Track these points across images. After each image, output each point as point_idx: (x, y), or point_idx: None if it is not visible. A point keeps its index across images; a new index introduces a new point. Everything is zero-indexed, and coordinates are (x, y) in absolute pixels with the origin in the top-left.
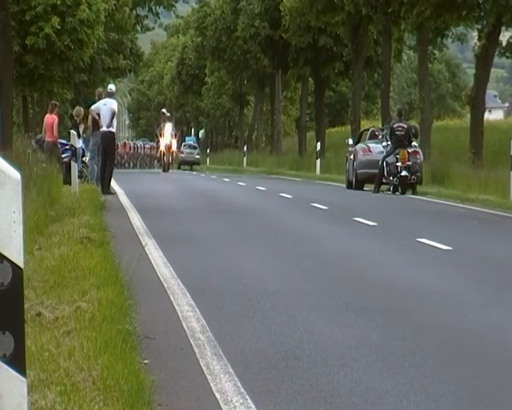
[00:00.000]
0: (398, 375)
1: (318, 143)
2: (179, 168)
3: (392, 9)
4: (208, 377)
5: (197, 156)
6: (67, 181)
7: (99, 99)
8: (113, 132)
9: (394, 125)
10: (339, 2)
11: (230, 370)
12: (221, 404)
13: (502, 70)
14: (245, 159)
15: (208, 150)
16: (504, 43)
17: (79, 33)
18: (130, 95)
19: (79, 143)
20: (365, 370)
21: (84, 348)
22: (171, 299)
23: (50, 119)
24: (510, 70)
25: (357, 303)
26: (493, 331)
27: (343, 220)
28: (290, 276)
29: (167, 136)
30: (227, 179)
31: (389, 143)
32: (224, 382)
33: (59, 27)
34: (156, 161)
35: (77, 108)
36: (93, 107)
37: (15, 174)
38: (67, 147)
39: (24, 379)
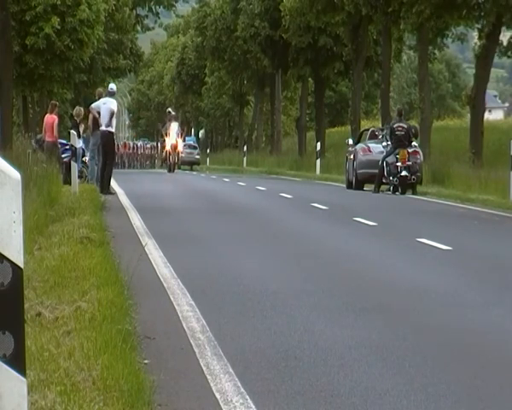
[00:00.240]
0: (398, 375)
1: (318, 143)
2: (179, 168)
3: (392, 9)
4: (208, 377)
5: (197, 156)
6: (67, 181)
7: (99, 99)
8: (112, 132)
9: (394, 125)
10: (339, 2)
11: (230, 370)
12: (221, 404)
13: (502, 70)
14: (245, 159)
15: (208, 150)
16: (505, 43)
17: (79, 33)
18: (130, 95)
19: (79, 143)
20: (365, 370)
21: (84, 348)
22: (171, 299)
23: (50, 119)
24: (510, 70)
25: (357, 303)
26: (493, 331)
27: (343, 220)
28: (290, 276)
29: (173, 135)
30: (227, 179)
31: (389, 143)
32: (223, 382)
33: (59, 27)
34: (157, 161)
35: (77, 108)
36: (93, 105)
37: (15, 174)
38: (67, 147)
39: (24, 379)
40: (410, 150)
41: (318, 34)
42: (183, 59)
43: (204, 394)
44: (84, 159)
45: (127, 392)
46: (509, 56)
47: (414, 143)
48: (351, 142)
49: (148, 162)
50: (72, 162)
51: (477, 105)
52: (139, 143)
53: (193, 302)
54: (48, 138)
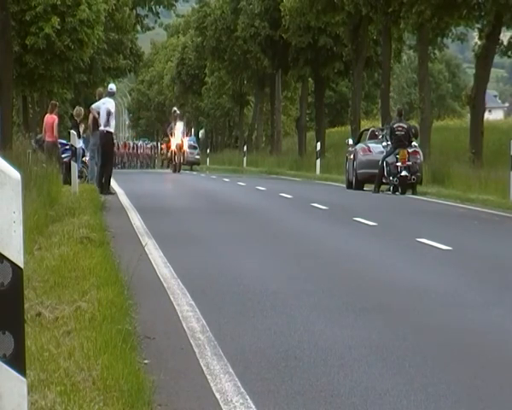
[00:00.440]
0: (398, 375)
1: (318, 143)
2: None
3: (392, 9)
4: (208, 377)
5: (197, 156)
6: (67, 181)
7: (99, 99)
8: (110, 132)
9: (394, 125)
10: (339, 2)
11: (230, 370)
12: (221, 404)
13: (502, 70)
14: (245, 159)
15: (208, 150)
16: (505, 43)
17: (79, 33)
18: (130, 95)
19: (79, 143)
20: (365, 370)
21: (84, 348)
22: (171, 299)
23: (50, 119)
24: (510, 70)
25: (357, 303)
26: (493, 331)
27: (343, 220)
28: (290, 276)
29: (178, 135)
30: (227, 179)
31: (389, 143)
32: (223, 382)
33: (59, 27)
34: (157, 161)
35: (77, 108)
36: (94, 105)
37: (15, 174)
38: (67, 147)
39: (24, 379)
40: (410, 150)
41: (318, 34)
42: (183, 59)
43: (204, 394)
44: (84, 159)
45: (127, 392)
46: (509, 56)
47: (414, 143)
48: (351, 142)
49: (148, 162)
50: (72, 162)
51: (477, 105)
52: (139, 143)
53: (193, 302)
54: (48, 138)
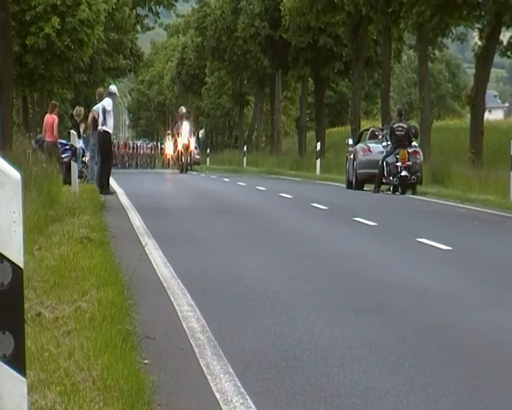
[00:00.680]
0: (398, 375)
1: (318, 143)
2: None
3: (392, 9)
4: (208, 377)
5: (197, 156)
6: (67, 181)
7: (99, 99)
8: (106, 131)
9: (394, 125)
10: (339, 3)
11: (230, 370)
12: (221, 404)
13: (502, 70)
14: (245, 159)
15: (208, 150)
16: (505, 43)
17: (79, 33)
18: (130, 95)
19: (79, 143)
20: (365, 370)
21: (84, 348)
22: (171, 299)
23: (50, 119)
24: (510, 70)
25: (357, 303)
26: (493, 331)
27: (343, 220)
28: (290, 276)
29: (185, 135)
30: (227, 179)
31: (389, 143)
32: (223, 382)
33: (59, 27)
34: (157, 162)
35: (77, 108)
36: (95, 107)
37: (15, 174)
38: (67, 147)
39: (24, 379)
40: (410, 150)
41: (318, 34)
42: (183, 59)
43: (204, 394)
44: (84, 159)
45: (127, 392)
46: (508, 56)
47: (414, 143)
48: (351, 142)
49: (148, 162)
50: (72, 162)
51: (477, 105)
52: (138, 143)
53: (193, 302)
54: (48, 138)
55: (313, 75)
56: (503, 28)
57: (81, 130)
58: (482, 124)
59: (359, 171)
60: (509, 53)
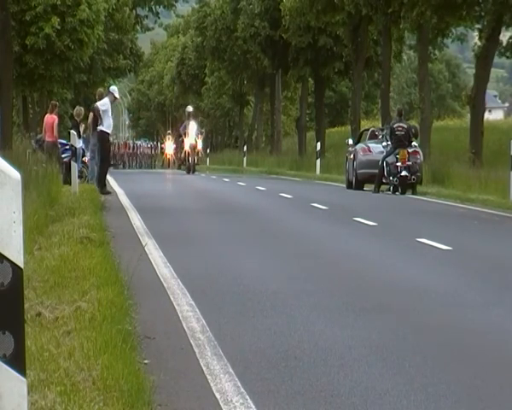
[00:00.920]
0: (398, 375)
1: (318, 143)
2: (179, 168)
3: (392, 10)
4: (208, 377)
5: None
6: (67, 181)
7: (99, 99)
8: (102, 131)
9: (394, 125)
10: (339, 3)
11: (230, 370)
12: (221, 404)
13: (502, 70)
14: (245, 159)
15: (208, 150)
16: (504, 43)
17: (79, 33)
18: (130, 95)
19: (79, 143)
20: (365, 370)
21: (84, 348)
22: (171, 299)
23: (50, 119)
24: (510, 70)
25: (357, 303)
26: (493, 331)
27: (343, 220)
28: (290, 276)
29: (192, 135)
30: (227, 179)
31: (389, 143)
32: (223, 382)
33: (59, 27)
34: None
35: (77, 107)
36: (95, 105)
37: (15, 174)
38: (67, 147)
39: (24, 379)
40: (410, 150)
41: (318, 34)
42: (183, 59)
43: (204, 394)
44: (84, 159)
45: (127, 392)
46: (508, 56)
47: (414, 143)
48: (351, 142)
49: (148, 162)
50: (72, 162)
51: (477, 105)
52: (138, 143)
53: (193, 302)
54: (48, 138)
55: (313, 75)
56: (503, 28)
57: (81, 130)
58: (482, 124)
59: (359, 171)
60: (508, 53)
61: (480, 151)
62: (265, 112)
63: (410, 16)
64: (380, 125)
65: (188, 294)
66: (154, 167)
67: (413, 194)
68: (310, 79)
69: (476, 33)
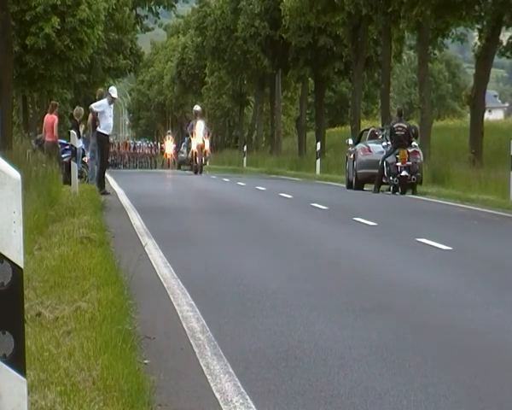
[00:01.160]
0: (398, 375)
1: (318, 143)
2: (179, 168)
3: (392, 9)
4: (208, 377)
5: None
6: (67, 181)
7: (99, 99)
8: (100, 133)
9: (394, 125)
10: (339, 3)
11: (230, 370)
12: (221, 404)
13: (502, 70)
14: (245, 159)
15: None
16: (504, 43)
17: (79, 33)
18: (130, 95)
19: (79, 143)
20: (365, 370)
21: (84, 348)
22: (171, 299)
23: (50, 119)
24: (510, 70)
25: (357, 303)
26: (493, 331)
27: (343, 220)
28: (290, 276)
29: (199, 135)
30: (227, 179)
31: (389, 143)
32: (223, 382)
33: (59, 27)
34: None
35: (77, 107)
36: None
37: (15, 174)
38: (67, 147)
39: (24, 379)
40: (410, 150)
41: (318, 34)
42: (183, 59)
43: (204, 394)
44: (84, 159)
45: (127, 392)
46: (508, 56)
47: (414, 143)
48: (351, 142)
49: (148, 162)
50: (72, 162)
51: (477, 105)
52: (138, 143)
53: (193, 302)
54: (48, 138)
55: (313, 75)
56: (503, 28)
57: (81, 130)
58: (482, 124)
59: (359, 171)
60: (508, 53)
61: (480, 151)
62: (265, 112)
63: (409, 16)
64: (380, 125)
65: (188, 294)
66: (155, 167)
67: (413, 194)
68: (310, 79)
69: (476, 33)
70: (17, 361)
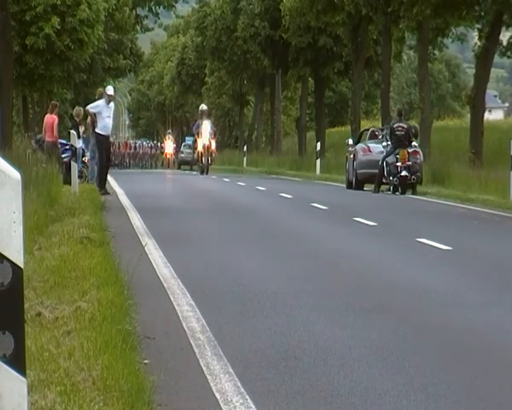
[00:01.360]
0: (398, 375)
1: (318, 143)
2: (179, 168)
3: (391, 9)
4: (208, 377)
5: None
6: (67, 181)
7: (99, 99)
8: (97, 133)
9: (394, 125)
10: (339, 3)
11: (230, 370)
12: (221, 404)
13: (502, 70)
14: (245, 159)
15: None
16: (504, 43)
17: (79, 33)
18: (130, 95)
19: (79, 143)
20: (365, 370)
21: (84, 348)
22: (171, 299)
23: (50, 119)
24: (510, 70)
25: (357, 303)
26: (493, 331)
27: (343, 220)
28: (290, 276)
29: (206, 135)
30: (227, 179)
31: (389, 143)
32: (223, 382)
33: (59, 27)
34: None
35: (76, 108)
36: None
37: (15, 174)
38: (67, 147)
39: (24, 379)
40: (410, 150)
41: (318, 34)
42: (183, 59)
43: (204, 394)
44: (84, 159)
45: (127, 392)
46: (508, 56)
47: (414, 143)
48: (351, 142)
49: (149, 162)
50: (72, 162)
51: (477, 105)
52: (138, 143)
53: (193, 302)
54: (48, 138)
55: (313, 75)
56: (503, 28)
57: (81, 131)
58: (482, 124)
59: (359, 171)
60: (509, 53)
61: (480, 151)
62: (265, 112)
63: (409, 15)
64: (380, 125)
65: (188, 294)
66: (156, 167)
67: (413, 194)
68: (310, 79)
69: (476, 33)
70: (17, 361)
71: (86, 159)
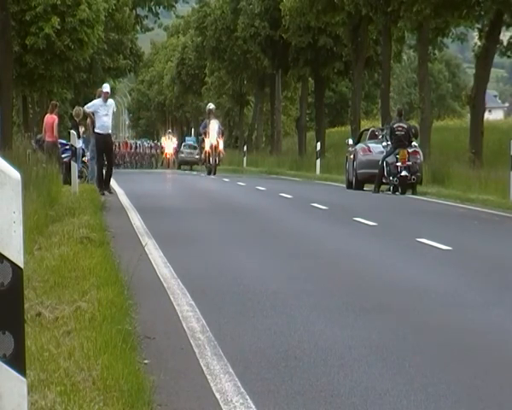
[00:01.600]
0: (398, 375)
1: (318, 143)
2: (179, 168)
3: (391, 9)
4: (208, 377)
5: (197, 156)
6: (67, 181)
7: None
8: (96, 133)
9: (394, 125)
10: (339, 3)
11: (230, 370)
12: (221, 404)
13: (502, 70)
14: (245, 159)
15: None
16: (504, 43)
17: (79, 33)
18: (130, 95)
19: (79, 143)
20: (365, 370)
21: (84, 348)
22: (171, 299)
23: (50, 119)
24: (510, 70)
25: (357, 303)
26: (493, 331)
27: (343, 220)
28: (290, 276)
29: (213, 135)
30: (227, 179)
31: (389, 143)
32: (223, 382)
33: (59, 27)
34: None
35: (76, 108)
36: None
37: (15, 174)
38: (67, 147)
39: (24, 379)
40: (410, 150)
41: (318, 34)
42: (183, 59)
43: (204, 394)
44: (84, 159)
45: (127, 392)
46: (508, 56)
47: (414, 143)
48: (351, 142)
49: (149, 162)
50: (72, 162)
51: (477, 105)
52: (138, 143)
53: (193, 302)
54: (48, 138)
55: (313, 75)
56: (503, 28)
57: (81, 130)
58: (482, 124)
59: (359, 171)
60: (509, 53)
61: (480, 151)
62: (265, 112)
63: (409, 15)
64: (380, 125)
65: (188, 294)
66: (156, 167)
67: (413, 194)
68: (310, 78)
69: (476, 33)
70: (17, 361)
71: (86, 159)
